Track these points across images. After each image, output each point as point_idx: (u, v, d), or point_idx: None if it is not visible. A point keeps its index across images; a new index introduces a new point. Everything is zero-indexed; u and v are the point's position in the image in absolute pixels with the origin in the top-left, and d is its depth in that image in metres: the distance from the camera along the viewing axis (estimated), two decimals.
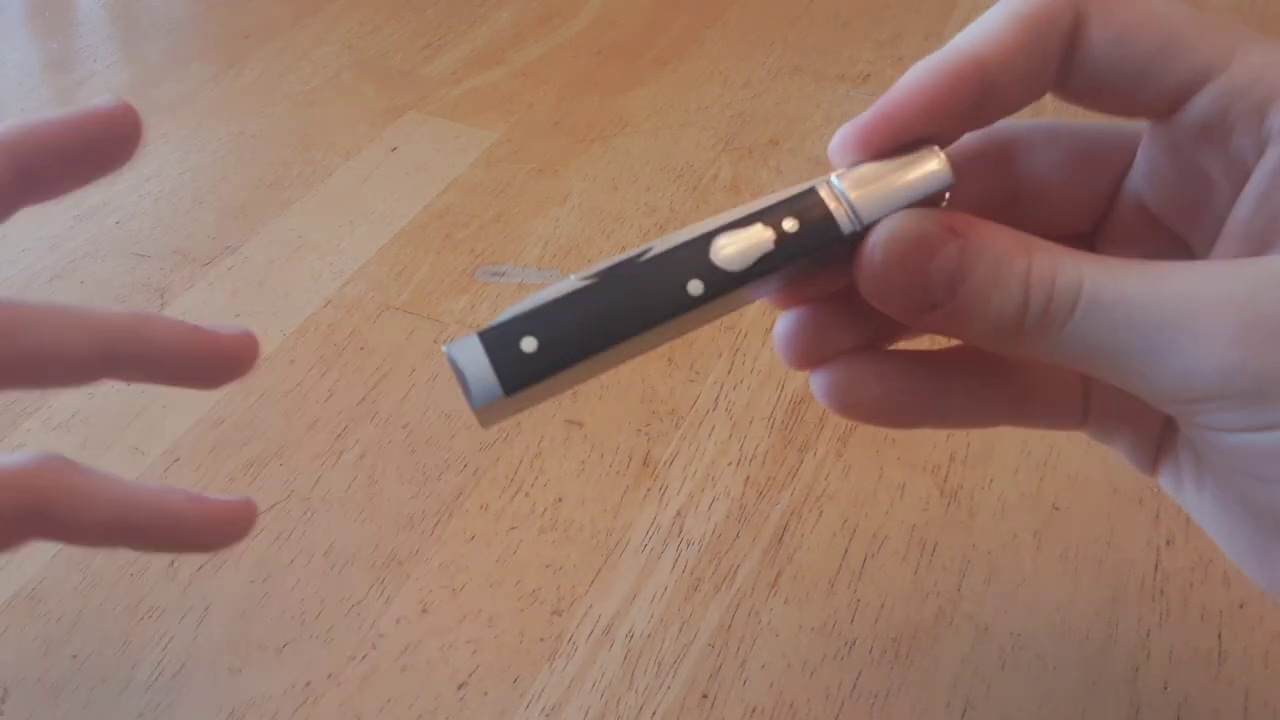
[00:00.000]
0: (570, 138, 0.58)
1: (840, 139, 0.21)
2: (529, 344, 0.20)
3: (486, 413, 0.20)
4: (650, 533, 0.38)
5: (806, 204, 0.20)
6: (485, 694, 0.33)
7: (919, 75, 0.20)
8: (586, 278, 0.20)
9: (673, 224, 0.52)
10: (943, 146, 0.20)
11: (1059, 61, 0.20)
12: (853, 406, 0.23)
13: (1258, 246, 0.20)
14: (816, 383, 0.23)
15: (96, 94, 0.62)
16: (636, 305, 0.20)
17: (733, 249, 0.20)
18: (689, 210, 0.53)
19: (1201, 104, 0.19)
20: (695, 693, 0.33)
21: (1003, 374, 0.24)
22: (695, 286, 0.20)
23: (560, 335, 0.20)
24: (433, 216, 0.53)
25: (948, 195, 0.20)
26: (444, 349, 0.20)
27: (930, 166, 0.20)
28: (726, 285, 0.20)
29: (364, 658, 0.34)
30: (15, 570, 0.37)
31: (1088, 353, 0.19)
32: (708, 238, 0.20)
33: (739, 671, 0.34)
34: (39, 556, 0.37)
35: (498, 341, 0.20)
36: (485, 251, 0.50)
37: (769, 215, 0.20)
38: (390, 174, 0.56)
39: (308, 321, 0.47)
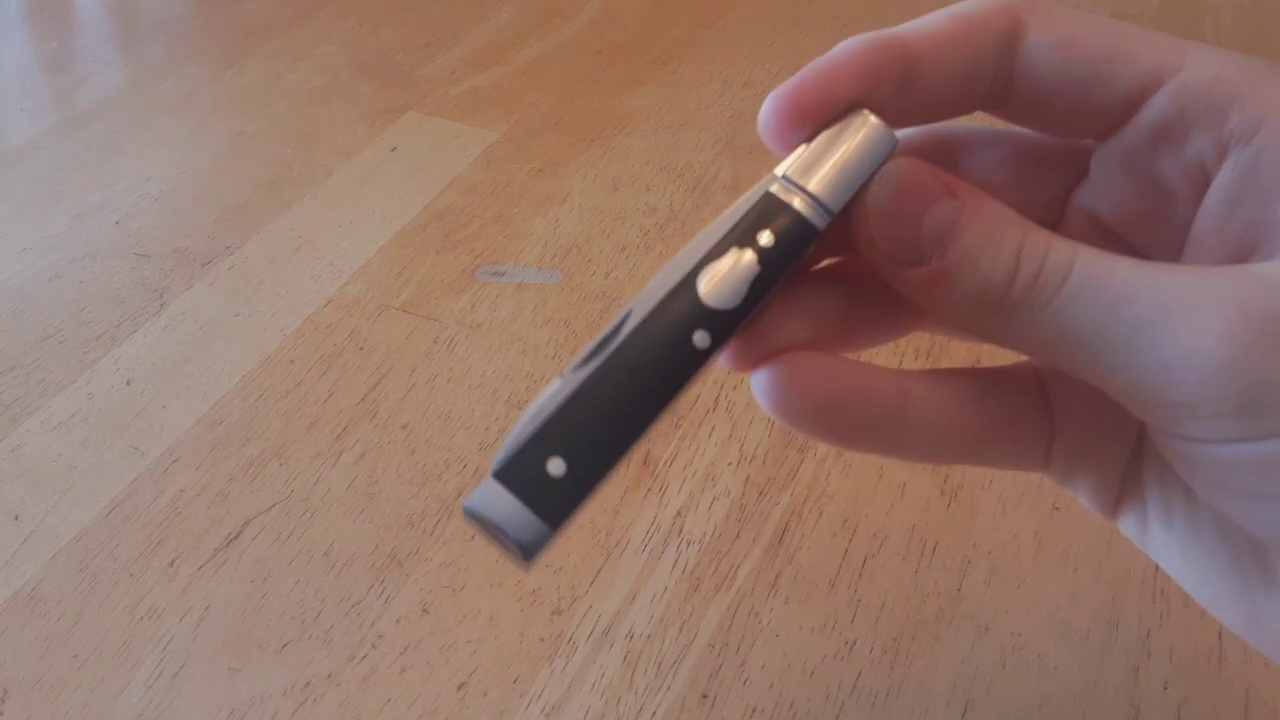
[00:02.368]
0: (570, 138, 0.58)
1: (772, 107, 0.19)
2: (556, 466, 0.18)
3: (537, 556, 0.18)
4: (650, 533, 0.38)
5: (773, 212, 0.19)
6: (485, 694, 0.33)
7: (846, 45, 0.20)
8: (581, 369, 0.18)
9: (672, 224, 0.52)
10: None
11: (994, 63, 0.20)
12: (796, 409, 0.20)
13: (1234, 255, 0.19)
14: (758, 381, 0.20)
15: (96, 94, 0.62)
16: (651, 379, 0.18)
17: (722, 285, 0.18)
18: (689, 210, 0.53)
19: (1157, 106, 0.19)
20: (695, 693, 0.33)
21: (968, 399, 0.22)
22: (701, 338, 0.18)
23: (587, 443, 0.18)
24: (433, 216, 0.53)
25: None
26: (464, 506, 0.18)
27: (869, 131, 0.19)
28: (730, 324, 0.18)
29: (364, 658, 0.34)
30: (15, 570, 0.37)
31: (1070, 336, 0.18)
32: (690, 281, 0.19)
33: (739, 672, 0.34)
34: (39, 556, 0.37)
35: (521, 476, 0.18)
36: (485, 251, 0.50)
37: (739, 236, 0.19)
38: (390, 174, 0.56)
39: (307, 321, 0.47)
